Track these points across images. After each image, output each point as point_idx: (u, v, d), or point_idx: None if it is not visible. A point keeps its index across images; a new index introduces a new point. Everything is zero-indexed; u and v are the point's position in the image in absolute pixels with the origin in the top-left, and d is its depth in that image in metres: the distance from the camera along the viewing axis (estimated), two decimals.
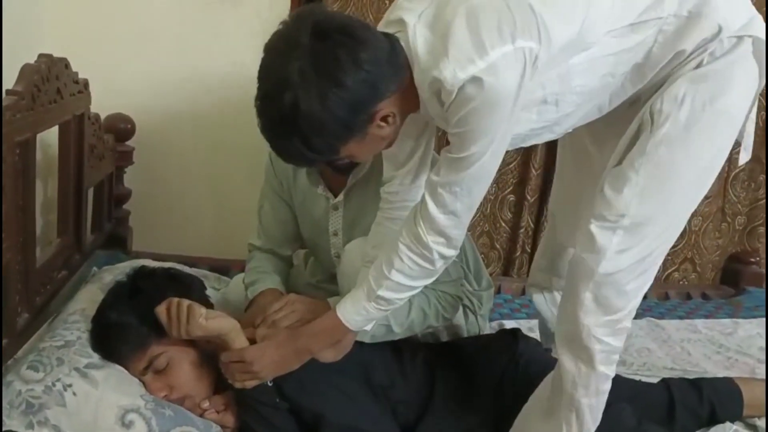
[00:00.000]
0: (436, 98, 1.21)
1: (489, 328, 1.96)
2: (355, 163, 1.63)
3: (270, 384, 1.46)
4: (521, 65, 1.17)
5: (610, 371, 1.42)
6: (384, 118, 1.23)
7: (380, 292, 1.36)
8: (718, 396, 1.71)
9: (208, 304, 1.61)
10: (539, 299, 1.89)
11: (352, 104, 1.17)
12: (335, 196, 1.71)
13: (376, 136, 1.25)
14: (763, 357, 2.03)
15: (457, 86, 1.15)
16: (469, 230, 2.44)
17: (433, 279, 1.41)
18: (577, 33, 1.24)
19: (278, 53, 1.18)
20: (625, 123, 1.39)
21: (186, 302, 1.45)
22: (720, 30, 1.28)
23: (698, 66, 1.30)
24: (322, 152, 1.22)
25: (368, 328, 1.47)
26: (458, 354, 1.71)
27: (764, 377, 1.85)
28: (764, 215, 2.63)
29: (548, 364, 1.59)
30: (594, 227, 1.34)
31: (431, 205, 1.30)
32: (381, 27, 1.28)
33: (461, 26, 1.16)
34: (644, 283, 1.39)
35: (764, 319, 2.24)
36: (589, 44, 1.27)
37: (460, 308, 1.79)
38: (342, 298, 1.42)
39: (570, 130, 1.44)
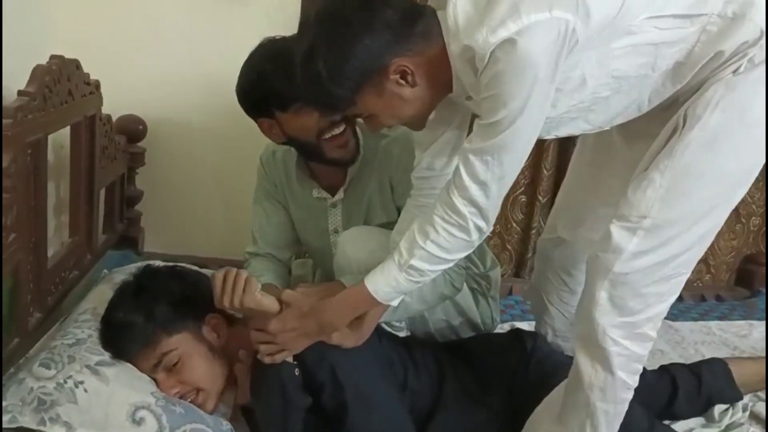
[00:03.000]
0: (469, 66, 1.21)
1: (500, 328, 1.94)
2: (353, 159, 1.63)
3: (297, 374, 1.44)
4: (556, 35, 1.15)
5: (631, 380, 1.39)
6: (403, 75, 1.24)
7: (413, 262, 1.34)
8: (716, 384, 1.77)
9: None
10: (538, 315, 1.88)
11: (361, 48, 1.20)
12: (331, 194, 1.70)
13: (394, 93, 1.26)
14: None
15: (489, 50, 1.14)
16: None
17: (468, 252, 1.38)
18: (617, 12, 1.20)
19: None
20: (658, 124, 1.36)
21: (244, 273, 1.46)
22: (762, 35, 1.25)
23: (736, 71, 1.26)
24: (339, 101, 1.26)
25: (395, 303, 1.44)
26: (469, 353, 1.71)
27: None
28: None
29: (560, 361, 1.59)
30: (614, 227, 1.33)
31: (463, 173, 1.28)
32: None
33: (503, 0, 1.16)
34: (668, 291, 1.36)
35: None
36: (630, 28, 1.24)
37: (470, 294, 1.78)
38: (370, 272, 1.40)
39: (606, 127, 1.41)
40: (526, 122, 1.22)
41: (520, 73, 1.16)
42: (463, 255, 1.38)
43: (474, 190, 1.28)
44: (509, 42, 1.13)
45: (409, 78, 1.24)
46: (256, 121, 1.62)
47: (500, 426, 1.58)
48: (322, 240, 1.77)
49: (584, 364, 1.39)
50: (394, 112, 1.30)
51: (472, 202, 1.29)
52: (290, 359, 1.46)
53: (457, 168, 1.30)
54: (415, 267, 1.34)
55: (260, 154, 1.83)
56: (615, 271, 1.32)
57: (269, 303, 1.46)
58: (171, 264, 1.69)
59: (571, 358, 1.46)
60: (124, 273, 1.79)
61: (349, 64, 1.21)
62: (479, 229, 1.32)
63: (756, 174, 1.34)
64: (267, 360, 1.45)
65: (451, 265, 1.40)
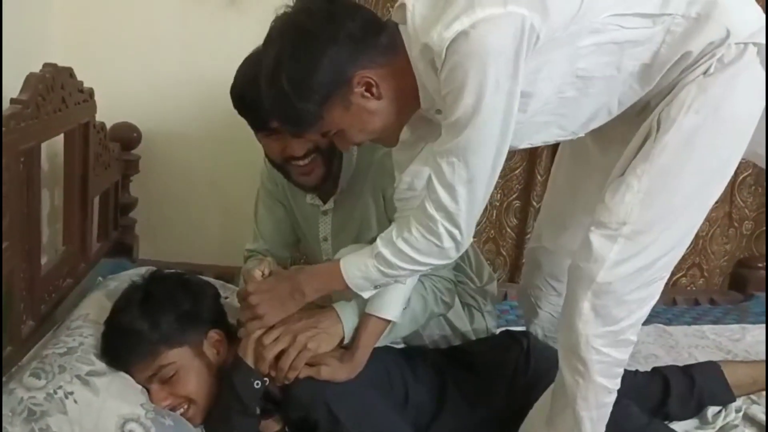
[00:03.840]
0: (431, 68, 1.21)
1: (497, 327, 1.95)
2: (318, 186, 1.64)
3: (257, 386, 1.45)
4: (513, 30, 1.14)
5: (612, 384, 1.40)
6: (368, 88, 1.24)
7: (382, 251, 1.33)
8: (708, 386, 1.78)
9: (221, 313, 1.62)
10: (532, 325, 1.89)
11: (329, 58, 1.20)
12: (324, 202, 1.71)
13: (361, 106, 1.25)
14: None
15: (445, 46, 1.14)
16: (474, 236, 2.47)
17: (444, 261, 1.37)
18: (578, 8, 1.20)
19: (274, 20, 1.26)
20: (632, 129, 1.36)
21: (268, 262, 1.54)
22: (728, 35, 1.26)
23: (706, 72, 1.27)
24: (306, 116, 1.25)
25: (366, 295, 1.43)
26: (468, 356, 1.71)
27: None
28: None
29: (556, 359, 1.59)
30: (593, 235, 1.32)
31: (432, 176, 1.27)
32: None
33: None
34: (649, 295, 1.37)
35: None
36: (595, 26, 1.23)
37: (464, 310, 1.79)
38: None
39: (581, 134, 1.40)
40: (489, 118, 1.19)
41: (473, 63, 1.15)
42: (439, 262, 1.36)
43: (442, 193, 1.26)
44: (463, 34, 1.13)
45: (374, 90, 1.24)
46: None
47: (501, 426, 1.59)
48: (313, 244, 1.78)
49: (567, 374, 1.40)
50: (362, 127, 1.29)
51: (441, 207, 1.27)
52: (253, 366, 1.47)
53: (430, 173, 1.30)
54: (384, 257, 1.33)
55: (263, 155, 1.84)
56: (598, 281, 1.31)
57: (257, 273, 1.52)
58: (179, 272, 1.68)
59: None
60: (118, 280, 1.79)
61: (314, 77, 1.21)
62: (452, 236, 1.30)
63: (733, 168, 1.35)
64: (241, 333, 1.48)
65: (425, 269, 1.39)
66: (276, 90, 1.23)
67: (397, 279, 1.40)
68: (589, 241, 1.32)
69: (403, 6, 1.24)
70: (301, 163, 1.56)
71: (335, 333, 1.51)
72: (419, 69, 1.24)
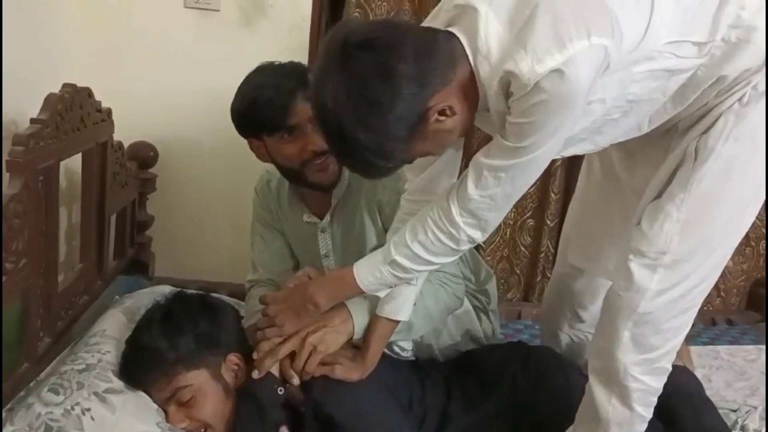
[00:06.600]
0: (502, 91, 1.16)
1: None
2: (333, 183, 1.65)
3: (281, 393, 1.46)
4: (596, 62, 1.11)
5: (647, 413, 1.40)
6: (441, 112, 1.17)
7: (397, 257, 1.34)
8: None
9: (242, 336, 1.61)
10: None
11: (395, 118, 1.13)
12: (320, 219, 1.72)
13: (439, 130, 1.19)
14: None
15: (534, 81, 1.09)
16: (488, 255, 2.47)
17: (454, 258, 1.39)
18: (643, 35, 1.18)
19: (317, 75, 1.17)
20: (658, 149, 1.37)
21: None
22: (765, 62, 1.25)
23: (741, 99, 1.27)
24: (387, 163, 1.21)
25: (381, 294, 1.44)
26: (474, 366, 1.73)
27: None
28: None
29: (557, 360, 1.65)
30: (633, 264, 1.32)
31: (471, 185, 1.25)
32: (441, 13, 1.24)
33: (539, 19, 1.10)
34: (684, 323, 1.38)
35: None
36: (652, 54, 1.21)
37: (473, 312, 1.79)
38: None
39: (606, 146, 1.40)
40: (552, 147, 1.20)
41: (563, 105, 1.13)
42: (449, 260, 1.39)
43: (479, 202, 1.26)
44: (556, 72, 1.08)
45: (448, 111, 1.18)
46: (246, 139, 1.66)
47: (506, 421, 1.60)
48: (315, 264, 1.76)
49: (601, 399, 1.39)
50: (442, 144, 1.26)
51: (473, 214, 1.27)
52: (276, 373, 1.48)
53: (463, 179, 1.28)
54: (398, 263, 1.35)
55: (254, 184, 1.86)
56: (639, 312, 1.32)
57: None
58: (202, 293, 1.69)
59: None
60: (134, 297, 1.81)
61: (386, 138, 1.14)
62: (471, 240, 1.31)
63: (763, 194, 1.35)
64: (258, 336, 1.50)
65: (436, 267, 1.41)
66: (359, 158, 1.19)
67: (409, 278, 1.41)
68: (629, 270, 1.32)
69: (474, 11, 1.15)
70: (318, 161, 1.57)
71: (345, 331, 1.52)
72: (491, 86, 1.17)
